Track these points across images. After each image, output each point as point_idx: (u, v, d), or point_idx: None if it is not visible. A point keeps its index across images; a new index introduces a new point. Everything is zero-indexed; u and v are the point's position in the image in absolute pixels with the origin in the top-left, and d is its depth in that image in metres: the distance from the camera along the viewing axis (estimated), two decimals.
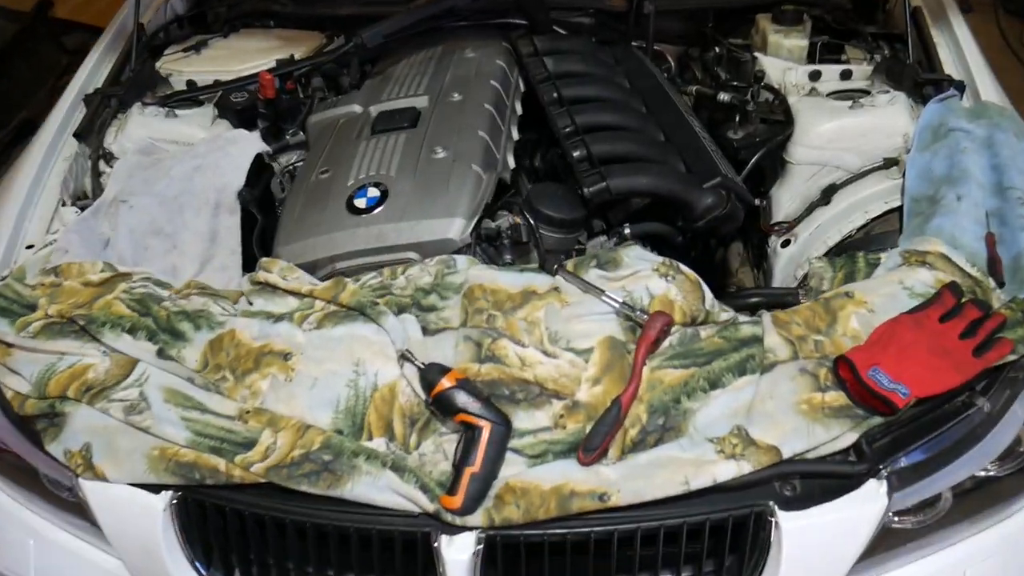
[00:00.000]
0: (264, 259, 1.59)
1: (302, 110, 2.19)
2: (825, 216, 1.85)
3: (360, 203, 1.65)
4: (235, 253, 1.80)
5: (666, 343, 1.37)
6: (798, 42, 2.07)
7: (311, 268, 1.63)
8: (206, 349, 1.44)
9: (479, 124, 1.82)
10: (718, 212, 1.68)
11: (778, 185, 1.97)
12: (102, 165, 1.98)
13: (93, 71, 2.17)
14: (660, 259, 1.48)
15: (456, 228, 1.58)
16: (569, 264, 1.49)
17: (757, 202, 2.02)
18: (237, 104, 1.98)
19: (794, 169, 1.92)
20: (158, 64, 2.24)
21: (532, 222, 1.63)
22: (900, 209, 1.74)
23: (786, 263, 1.88)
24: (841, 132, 1.87)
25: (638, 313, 1.37)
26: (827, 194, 1.86)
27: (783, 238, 1.91)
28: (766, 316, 1.40)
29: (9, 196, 1.82)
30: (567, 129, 1.80)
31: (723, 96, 2.07)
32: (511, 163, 1.84)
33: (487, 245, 1.64)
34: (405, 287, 1.49)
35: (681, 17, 2.36)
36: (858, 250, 1.71)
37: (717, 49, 2.23)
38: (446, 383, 1.28)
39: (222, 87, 2.08)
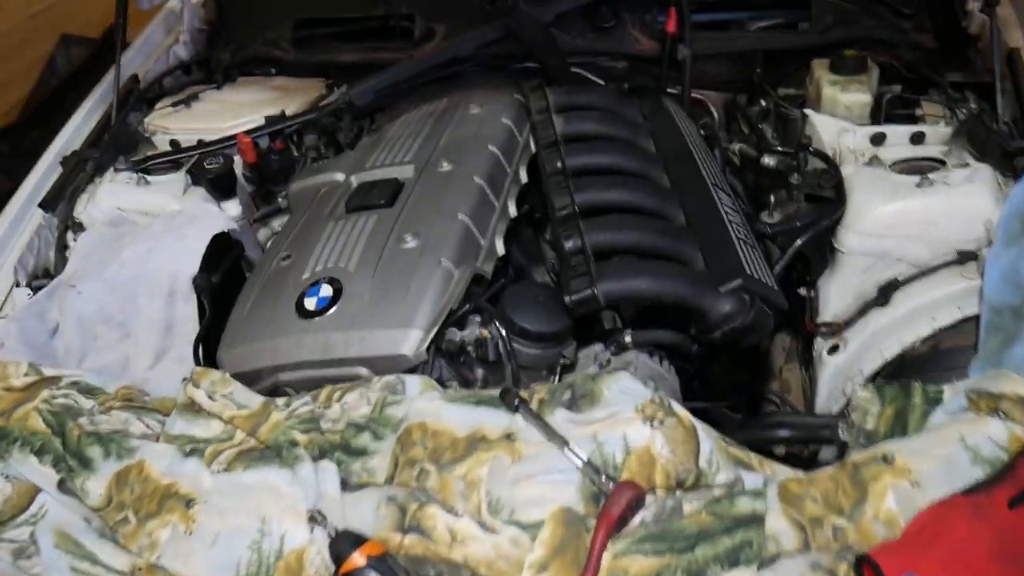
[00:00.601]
0: (197, 369, 1.39)
1: (296, 169, 2.01)
2: (882, 320, 1.51)
3: (310, 303, 1.44)
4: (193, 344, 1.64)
5: (637, 519, 1.08)
6: (858, 97, 1.72)
7: (254, 378, 1.42)
8: (112, 482, 1.27)
9: (462, 203, 1.57)
10: (737, 323, 1.38)
11: (826, 275, 1.63)
12: (70, 236, 1.84)
13: (79, 128, 2.04)
14: (648, 395, 1.20)
15: (410, 343, 1.34)
16: (535, 397, 1.23)
17: (802, 292, 1.70)
18: (210, 172, 1.80)
19: (845, 259, 1.58)
20: (147, 119, 2.09)
21: (504, 334, 1.37)
22: (977, 319, 1.39)
23: (833, 375, 1.55)
24: (905, 216, 1.53)
25: (604, 479, 1.09)
26: (885, 293, 1.52)
27: (831, 343, 1.58)
28: (772, 488, 1.10)
29: None
30: (563, 212, 1.54)
31: (767, 160, 1.75)
32: (500, 248, 1.59)
33: (450, 359, 1.39)
34: (338, 419, 1.26)
35: (728, 59, 2.04)
36: (921, 370, 1.38)
37: (763, 102, 1.90)
38: (357, 559, 1.06)
39: (199, 150, 1.91)
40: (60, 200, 1.86)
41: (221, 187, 1.84)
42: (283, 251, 1.60)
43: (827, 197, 1.62)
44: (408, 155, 1.77)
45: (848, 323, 1.56)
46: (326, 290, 1.45)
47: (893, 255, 1.54)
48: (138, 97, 2.14)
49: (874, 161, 1.63)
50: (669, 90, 2.07)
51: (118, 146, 1.95)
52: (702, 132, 1.89)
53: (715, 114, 2.08)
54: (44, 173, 1.92)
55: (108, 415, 1.38)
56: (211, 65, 2.33)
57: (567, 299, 1.35)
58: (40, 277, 1.76)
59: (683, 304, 1.39)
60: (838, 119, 1.72)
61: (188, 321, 1.65)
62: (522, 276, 1.69)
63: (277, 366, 1.41)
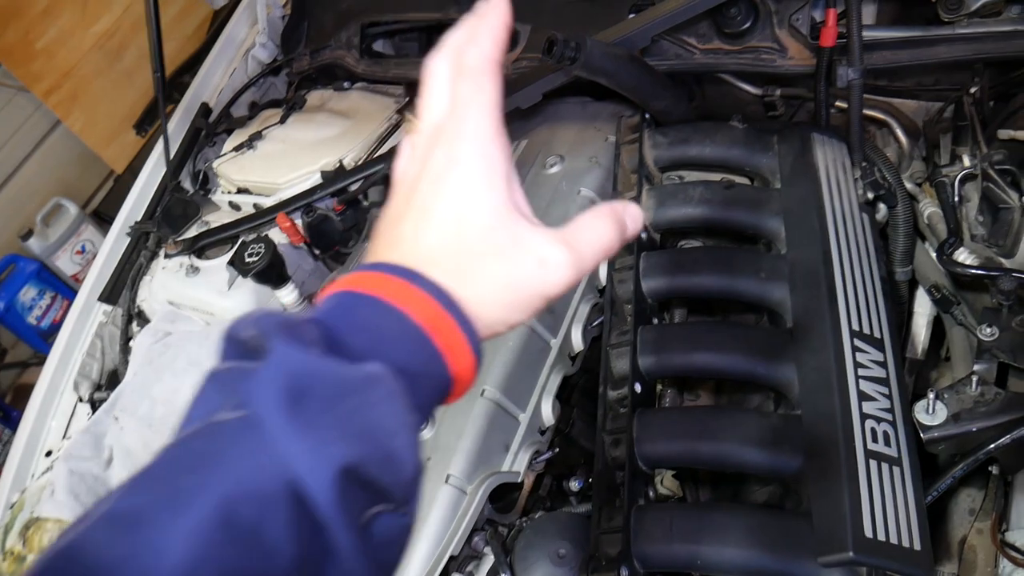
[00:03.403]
0: None
1: (367, 220, 1.79)
2: None
3: None
4: None
5: None
6: None
7: None
8: None
9: (496, 366, 1.26)
10: None
11: None
12: (134, 327, 1.79)
13: (145, 187, 1.93)
14: None
15: None
16: None
17: (994, 471, 1.20)
18: (251, 266, 1.62)
19: None
20: (215, 164, 1.94)
21: None
22: None
23: None
24: None
25: None
26: None
27: (1020, 575, 1.11)
28: None
29: (35, 389, 1.74)
30: (614, 393, 1.18)
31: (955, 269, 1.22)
32: (548, 415, 1.28)
33: None
34: None
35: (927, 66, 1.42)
36: None
37: (967, 160, 1.28)
38: None
39: (245, 225, 1.73)
40: (121, 288, 1.80)
41: (269, 278, 1.66)
42: None
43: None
44: None
45: None
46: None
47: None
48: (205, 137, 1.98)
49: None
50: (838, 103, 1.50)
51: (173, 217, 1.83)
52: (869, 194, 1.34)
53: (903, 142, 1.47)
54: (111, 249, 1.86)
55: None
56: (289, 75, 2.10)
57: None
58: (103, 388, 1.75)
59: None
60: None
61: None
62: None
63: None
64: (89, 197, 4.03)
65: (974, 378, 1.08)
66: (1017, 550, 1.13)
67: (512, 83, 1.49)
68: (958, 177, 1.29)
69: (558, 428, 1.37)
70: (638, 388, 1.19)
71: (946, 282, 1.43)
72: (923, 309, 1.55)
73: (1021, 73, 1.36)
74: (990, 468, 1.23)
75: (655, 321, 1.33)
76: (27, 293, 3.49)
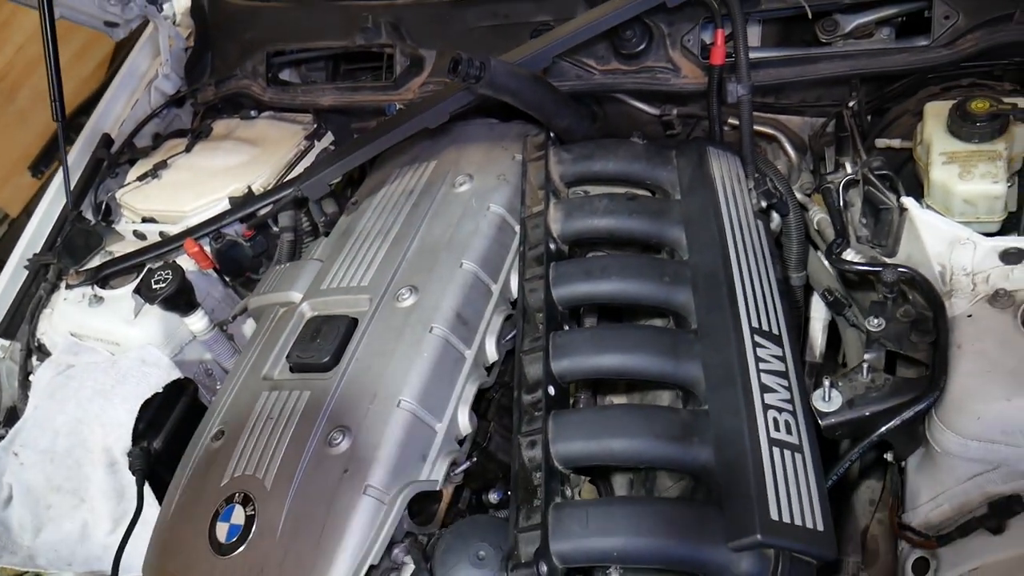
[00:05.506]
0: None
1: (276, 245, 1.78)
2: (993, 553, 1.09)
3: (221, 532, 1.24)
4: (152, 506, 1.50)
5: None
6: (985, 188, 1.18)
7: None
8: None
9: (412, 374, 1.27)
10: None
11: (917, 459, 1.20)
12: (33, 362, 1.72)
13: (44, 220, 1.87)
14: None
15: None
16: None
17: (888, 457, 1.27)
18: (158, 293, 1.58)
19: (942, 457, 1.13)
20: (119, 194, 1.90)
21: None
22: None
23: None
24: None
25: None
26: (1000, 514, 1.08)
27: (917, 556, 1.17)
28: None
29: None
30: (530, 396, 1.20)
31: (844, 267, 1.29)
32: (465, 424, 1.29)
33: None
34: None
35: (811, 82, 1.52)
36: None
37: (849, 167, 1.38)
38: None
39: (152, 253, 1.69)
40: (20, 322, 1.73)
41: (177, 305, 1.62)
42: (217, 424, 1.39)
43: (920, 362, 1.15)
44: (369, 273, 1.46)
45: (943, 539, 1.14)
46: (238, 515, 1.23)
47: (1014, 466, 1.08)
48: (107, 167, 1.94)
49: (1000, 299, 1.12)
50: (730, 121, 1.58)
51: (74, 248, 1.77)
52: (763, 203, 1.41)
53: (791, 155, 1.57)
54: (8, 283, 1.79)
55: None
56: (194, 105, 2.08)
57: None
58: (1, 425, 1.67)
59: (674, 561, 1.05)
60: (952, 220, 1.19)
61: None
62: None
63: None
64: None
65: (865, 366, 1.15)
66: (914, 531, 1.19)
67: (420, 104, 1.52)
68: (842, 183, 1.38)
69: (476, 442, 1.39)
70: (552, 391, 1.21)
71: (838, 285, 1.52)
72: (819, 314, 1.64)
73: (893, 88, 1.48)
74: (886, 457, 1.30)
75: (566, 328, 1.36)
76: None
